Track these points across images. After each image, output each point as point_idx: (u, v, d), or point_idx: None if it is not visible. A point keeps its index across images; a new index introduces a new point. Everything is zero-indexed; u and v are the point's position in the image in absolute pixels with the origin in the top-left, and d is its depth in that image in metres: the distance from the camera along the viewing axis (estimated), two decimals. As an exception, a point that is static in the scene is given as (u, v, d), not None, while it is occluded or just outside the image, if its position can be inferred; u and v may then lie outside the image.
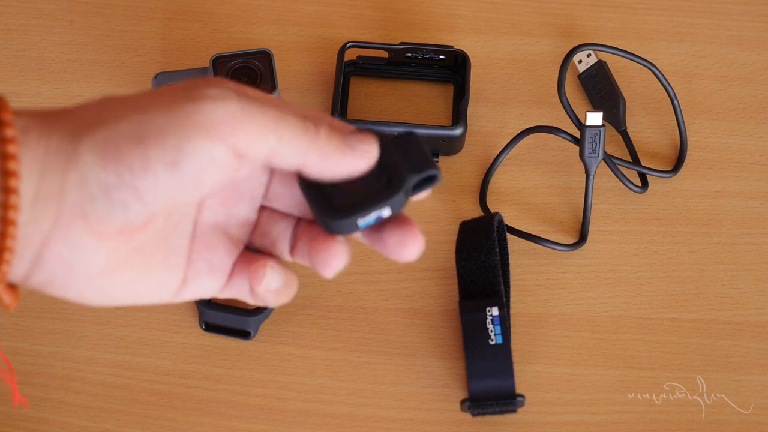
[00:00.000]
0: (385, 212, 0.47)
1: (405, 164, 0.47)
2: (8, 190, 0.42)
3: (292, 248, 0.50)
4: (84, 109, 0.45)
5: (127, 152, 0.43)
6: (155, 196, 0.44)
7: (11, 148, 0.42)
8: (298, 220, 0.51)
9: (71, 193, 0.43)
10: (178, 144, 0.43)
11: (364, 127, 0.51)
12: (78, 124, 0.44)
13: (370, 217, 0.47)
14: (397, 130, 0.73)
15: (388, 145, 0.48)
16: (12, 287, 0.45)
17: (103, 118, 0.44)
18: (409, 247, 0.48)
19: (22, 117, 0.44)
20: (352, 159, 0.46)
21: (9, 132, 0.43)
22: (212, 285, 0.49)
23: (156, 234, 0.47)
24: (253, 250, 0.51)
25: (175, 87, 0.46)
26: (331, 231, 0.47)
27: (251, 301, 0.50)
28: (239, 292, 0.50)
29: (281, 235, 0.50)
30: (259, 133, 0.44)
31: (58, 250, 0.44)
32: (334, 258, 0.48)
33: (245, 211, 0.50)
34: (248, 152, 0.45)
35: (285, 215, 0.50)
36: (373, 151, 0.47)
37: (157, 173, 0.43)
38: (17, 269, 0.44)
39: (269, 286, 0.49)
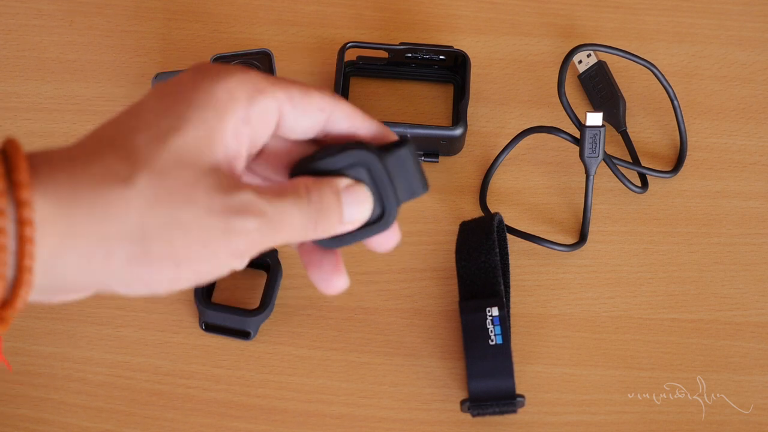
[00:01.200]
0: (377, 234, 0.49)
1: (397, 184, 0.48)
2: (23, 270, 0.41)
3: None
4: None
5: (160, 270, 0.43)
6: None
7: (29, 249, 0.41)
8: None
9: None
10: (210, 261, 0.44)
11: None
12: (110, 226, 0.42)
13: (362, 239, 0.49)
14: (397, 130, 0.73)
15: (380, 160, 0.48)
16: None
17: (133, 223, 0.42)
18: (390, 242, 0.50)
19: (48, 200, 0.41)
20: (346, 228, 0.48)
21: (28, 231, 0.41)
22: None
23: None
24: None
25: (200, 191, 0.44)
26: (322, 246, 0.48)
27: None
28: None
29: None
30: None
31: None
32: (339, 280, 0.49)
33: None
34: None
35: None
36: (362, 218, 0.48)
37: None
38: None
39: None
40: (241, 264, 0.45)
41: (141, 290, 0.44)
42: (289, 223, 0.45)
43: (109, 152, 0.42)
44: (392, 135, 0.49)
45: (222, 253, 0.43)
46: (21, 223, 0.40)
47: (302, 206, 0.45)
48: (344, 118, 0.48)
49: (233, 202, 0.43)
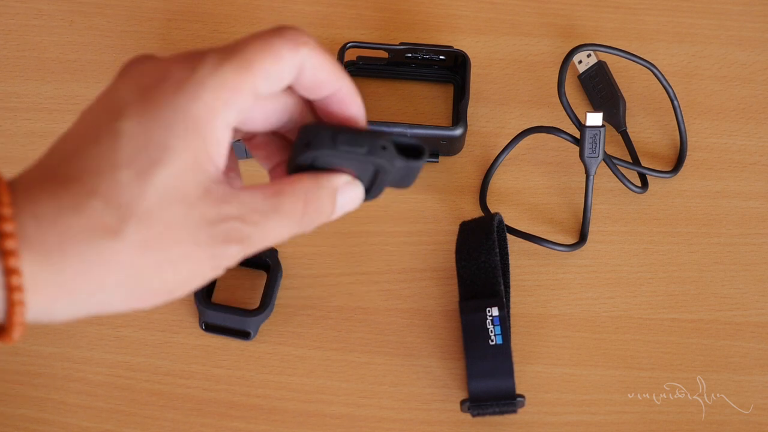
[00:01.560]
0: None
1: (392, 176, 0.48)
2: (14, 303, 0.41)
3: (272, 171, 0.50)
4: (91, 210, 0.43)
5: (154, 300, 0.44)
6: None
7: (15, 282, 0.41)
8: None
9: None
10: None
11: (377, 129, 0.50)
12: (90, 233, 0.42)
13: None
14: (397, 130, 0.73)
15: (393, 166, 0.47)
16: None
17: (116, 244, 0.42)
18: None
19: (37, 263, 0.41)
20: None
21: (12, 261, 0.41)
22: None
23: None
24: None
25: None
26: None
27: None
28: None
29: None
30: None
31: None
32: None
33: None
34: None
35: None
36: (349, 210, 0.48)
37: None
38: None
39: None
40: (224, 271, 0.45)
41: (132, 310, 0.44)
42: (274, 237, 0.45)
43: (95, 199, 0.42)
44: (354, 95, 0.49)
45: (208, 272, 0.44)
46: (10, 289, 0.41)
47: (294, 221, 0.46)
48: (312, 69, 0.46)
49: (218, 233, 0.44)
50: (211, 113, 0.43)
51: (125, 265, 0.42)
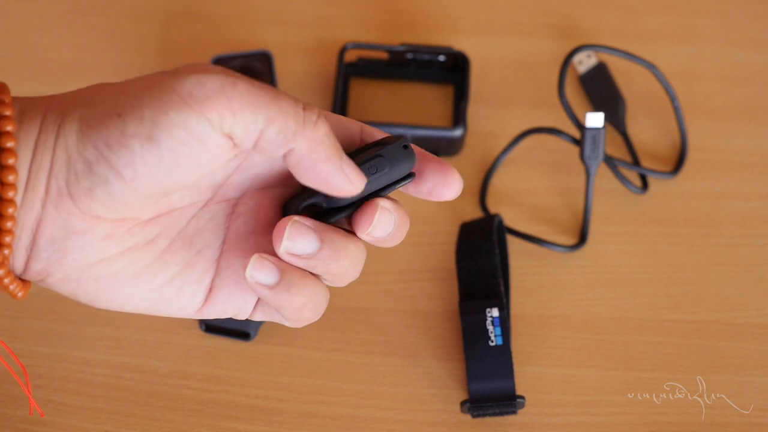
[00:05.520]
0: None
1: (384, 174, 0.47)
2: (6, 168, 0.42)
3: None
4: (80, 91, 0.45)
5: (106, 127, 0.42)
6: (134, 174, 0.42)
7: (8, 126, 0.42)
8: None
9: (58, 170, 0.43)
10: (153, 117, 0.41)
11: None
12: (69, 104, 0.44)
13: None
14: (397, 131, 0.73)
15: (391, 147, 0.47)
16: (22, 279, 0.45)
17: (91, 97, 0.44)
18: (453, 190, 0.48)
19: (20, 100, 0.44)
20: (336, 177, 0.44)
21: (6, 111, 0.43)
22: (244, 301, 0.48)
23: (169, 231, 0.46)
24: None
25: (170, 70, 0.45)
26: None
27: (288, 323, 0.48)
28: (273, 313, 0.48)
29: None
30: (246, 111, 0.42)
31: (50, 233, 0.43)
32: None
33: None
34: (234, 132, 0.42)
35: None
36: (356, 190, 0.45)
37: (133, 149, 0.42)
38: (16, 257, 0.44)
39: (258, 279, 0.45)
40: (217, 138, 0.42)
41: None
42: (277, 94, 0.43)
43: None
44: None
45: (167, 97, 0.42)
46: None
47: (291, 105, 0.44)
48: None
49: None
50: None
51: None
